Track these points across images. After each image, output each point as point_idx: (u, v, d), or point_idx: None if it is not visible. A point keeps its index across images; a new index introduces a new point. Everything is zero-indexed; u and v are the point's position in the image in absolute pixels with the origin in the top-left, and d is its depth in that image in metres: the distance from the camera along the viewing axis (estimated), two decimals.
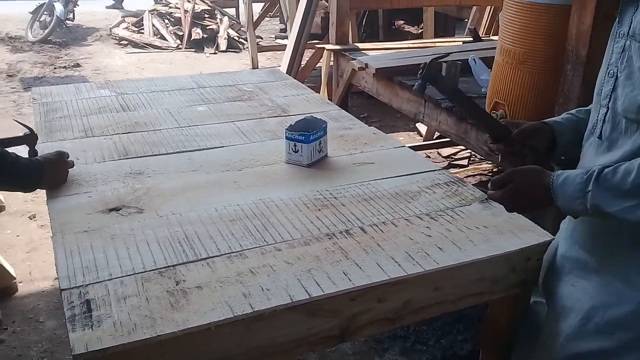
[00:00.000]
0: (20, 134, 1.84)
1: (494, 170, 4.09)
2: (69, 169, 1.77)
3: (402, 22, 6.73)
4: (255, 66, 6.91)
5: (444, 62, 2.98)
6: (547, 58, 2.34)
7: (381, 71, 3.20)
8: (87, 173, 1.82)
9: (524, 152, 1.49)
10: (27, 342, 2.48)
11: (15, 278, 2.84)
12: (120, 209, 1.61)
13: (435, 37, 5.53)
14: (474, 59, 2.94)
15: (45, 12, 8.12)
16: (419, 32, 6.31)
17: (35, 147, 1.83)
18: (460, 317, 2.62)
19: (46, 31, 7.88)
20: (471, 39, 4.01)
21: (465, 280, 1.44)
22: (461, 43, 3.97)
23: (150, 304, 1.21)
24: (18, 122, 1.93)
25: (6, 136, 1.78)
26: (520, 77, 2.42)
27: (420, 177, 1.87)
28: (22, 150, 1.75)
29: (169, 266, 1.35)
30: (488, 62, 2.94)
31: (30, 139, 1.83)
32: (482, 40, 3.98)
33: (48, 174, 1.66)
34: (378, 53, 3.71)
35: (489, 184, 1.37)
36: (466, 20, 5.94)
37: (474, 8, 4.90)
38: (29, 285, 2.85)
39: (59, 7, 7.98)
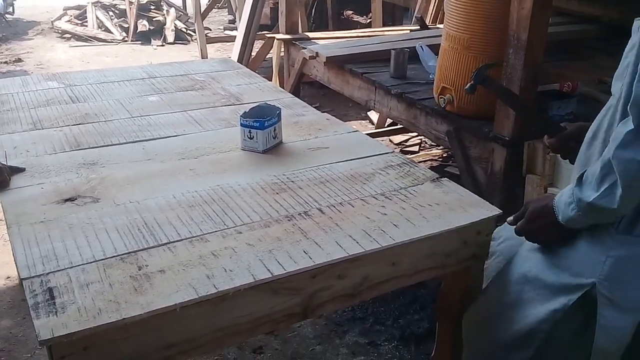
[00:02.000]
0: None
1: (444, 155, 4.21)
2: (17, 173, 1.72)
3: (351, 12, 6.79)
4: (204, 57, 6.82)
5: (392, 49, 3.06)
6: (491, 43, 2.44)
7: (332, 59, 3.24)
8: (39, 165, 1.79)
9: (577, 148, 1.51)
10: None
11: None
12: (76, 199, 1.60)
13: (384, 26, 5.61)
14: (421, 46, 3.02)
15: None
16: (368, 21, 6.39)
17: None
18: (416, 298, 2.70)
19: None
20: (418, 27, 4.10)
21: (420, 254, 1.51)
22: (409, 31, 4.05)
23: (114, 289, 1.22)
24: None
25: None
26: (465, 62, 2.51)
27: (374, 159, 1.93)
28: None
29: (130, 252, 1.36)
30: (435, 49, 3.02)
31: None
32: (429, 29, 4.07)
33: None
34: (328, 42, 3.75)
35: (512, 221, 1.47)
36: (411, 9, 6.05)
37: None
38: None
39: None
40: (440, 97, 2.54)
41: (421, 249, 1.50)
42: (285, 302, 1.34)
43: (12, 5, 8.35)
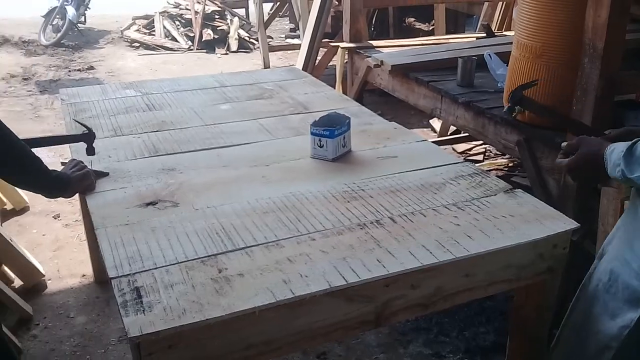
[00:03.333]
0: (79, 133, 1.94)
1: (510, 165, 4.13)
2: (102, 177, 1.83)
3: (413, 19, 6.76)
4: (266, 66, 6.96)
5: (459, 57, 3.04)
6: (564, 51, 2.38)
7: (397, 68, 3.24)
8: (121, 170, 1.88)
9: None
10: (59, 337, 2.54)
11: (44, 275, 2.90)
12: (157, 203, 1.67)
13: (447, 33, 5.57)
14: (489, 54, 2.98)
15: (57, 16, 8.19)
16: (430, 29, 6.35)
17: (93, 145, 1.93)
18: (482, 310, 2.66)
19: (59, 34, 7.95)
20: (484, 34, 4.05)
21: (494, 267, 1.49)
22: (475, 39, 4.01)
23: (197, 291, 1.27)
24: (77, 121, 2.04)
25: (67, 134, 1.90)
26: (537, 71, 2.46)
27: (444, 169, 1.92)
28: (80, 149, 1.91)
29: (210, 255, 1.41)
30: (502, 57, 2.98)
31: (88, 137, 1.92)
32: (495, 36, 4.01)
33: (73, 188, 1.71)
34: (392, 50, 3.76)
35: (561, 151, 1.44)
36: (476, 16, 5.97)
37: (486, 4, 4.93)
38: (58, 283, 2.91)
39: (71, 11, 8.05)
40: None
41: (496, 261, 1.48)
42: (358, 309, 1.36)
43: (84, 15, 8.74)
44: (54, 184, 1.62)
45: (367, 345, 2.48)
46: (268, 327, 1.26)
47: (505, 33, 4.39)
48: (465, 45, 3.66)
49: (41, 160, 1.57)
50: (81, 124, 1.97)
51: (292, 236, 1.51)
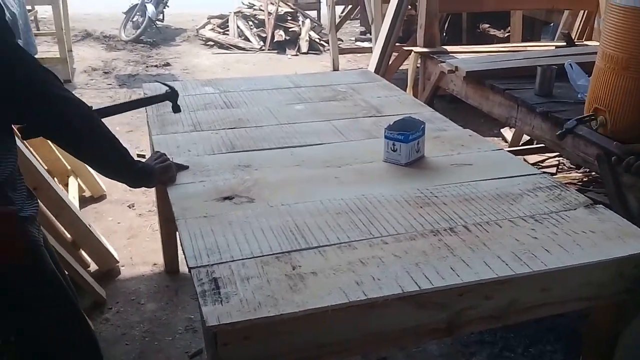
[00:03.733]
0: (162, 92, 2.06)
1: (584, 179, 3.98)
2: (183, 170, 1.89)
3: (488, 25, 6.62)
4: (336, 68, 7.00)
5: (538, 66, 2.95)
6: None
7: (472, 74, 3.19)
8: (200, 164, 1.94)
9: None
10: (129, 322, 2.65)
11: (118, 262, 3.03)
12: (233, 197, 1.72)
13: (523, 41, 5.42)
14: (570, 64, 2.89)
15: (138, 13, 8.54)
16: (505, 35, 6.20)
17: (177, 103, 2.08)
18: (551, 327, 2.58)
19: (138, 31, 8.29)
20: (564, 43, 3.92)
21: (573, 283, 1.45)
22: (554, 48, 3.89)
23: (272, 285, 1.30)
24: (159, 81, 2.17)
25: (152, 94, 2.07)
26: (623, 83, 2.36)
27: (521, 180, 1.88)
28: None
29: (284, 252, 1.44)
30: (583, 67, 2.88)
31: (172, 95, 2.06)
32: (576, 45, 3.88)
33: (156, 179, 1.77)
34: (466, 56, 3.70)
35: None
36: (554, 24, 5.78)
37: (566, 12, 4.77)
38: (131, 269, 3.03)
39: (150, 8, 8.38)
40: (592, 118, 2.42)
41: (574, 278, 1.44)
42: (430, 316, 1.35)
43: (163, 12, 9.07)
44: (138, 175, 1.69)
45: (429, 355, 2.45)
46: (339, 327, 1.27)
47: (586, 43, 4.23)
48: (544, 54, 3.56)
49: (128, 152, 1.65)
50: (163, 83, 2.09)
51: (365, 238, 1.52)
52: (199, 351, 2.42)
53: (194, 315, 2.66)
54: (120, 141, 1.62)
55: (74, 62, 6.96)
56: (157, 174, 1.74)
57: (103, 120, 1.59)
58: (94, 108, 1.79)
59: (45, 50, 7.20)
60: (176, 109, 2.13)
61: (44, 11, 8.19)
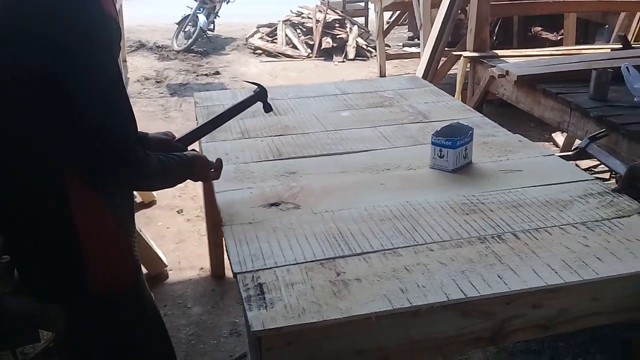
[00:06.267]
0: (252, 93, 2.02)
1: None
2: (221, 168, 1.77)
3: (540, 28, 6.48)
4: (382, 74, 6.99)
5: (593, 69, 2.87)
6: None
7: (524, 78, 3.13)
8: (247, 171, 1.97)
9: None
10: (176, 325, 2.71)
11: (166, 265, 3.11)
12: (279, 204, 1.74)
13: (576, 44, 5.28)
14: (627, 67, 2.80)
15: (190, 23, 8.76)
16: (558, 38, 6.05)
17: (268, 101, 2.01)
18: (599, 337, 2.49)
19: (190, 41, 8.50)
20: (620, 46, 3.79)
21: (625, 293, 1.40)
22: (609, 50, 3.77)
23: (315, 291, 1.31)
24: (247, 81, 2.15)
25: (240, 100, 1.99)
26: None
27: (572, 186, 1.83)
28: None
29: (328, 258, 1.45)
30: None
31: (262, 94, 2.00)
32: (632, 48, 3.75)
33: (196, 171, 1.63)
34: (517, 60, 3.63)
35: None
36: (608, 26, 5.60)
37: (622, 14, 4.62)
38: (178, 273, 3.10)
39: (202, 19, 8.57)
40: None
41: (627, 287, 1.39)
42: (475, 325, 1.33)
43: (213, 22, 9.27)
44: (179, 166, 1.55)
45: None
46: (382, 334, 1.27)
47: None
48: (599, 57, 3.46)
49: (175, 162, 1.54)
50: (250, 82, 2.04)
51: (409, 245, 1.51)
52: (243, 355, 2.44)
53: (239, 319, 2.70)
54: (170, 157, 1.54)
55: (128, 72, 7.20)
56: (198, 162, 1.62)
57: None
58: (182, 136, 1.77)
59: None
60: (267, 107, 2.00)
61: None
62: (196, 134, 1.87)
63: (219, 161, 1.72)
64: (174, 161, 1.52)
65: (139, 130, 1.47)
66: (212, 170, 1.71)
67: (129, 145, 1.35)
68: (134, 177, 1.40)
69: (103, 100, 1.29)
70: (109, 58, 1.31)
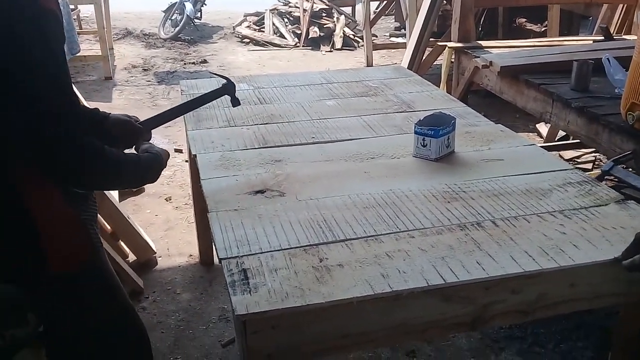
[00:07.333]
0: (219, 86, 2.00)
1: None
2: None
3: (524, 19, 6.52)
4: (369, 64, 7.00)
5: (574, 60, 2.91)
6: None
7: (507, 69, 3.16)
8: (233, 158, 1.99)
9: None
10: (165, 311, 2.73)
11: (155, 252, 3.12)
12: (265, 191, 1.76)
13: (560, 35, 5.33)
14: (608, 58, 2.83)
15: (177, 11, 8.69)
16: (542, 30, 6.09)
17: (236, 95, 1.99)
18: (580, 324, 2.56)
19: (177, 29, 8.44)
20: (602, 37, 3.84)
21: (601, 279, 1.44)
22: (591, 42, 3.81)
23: (299, 277, 1.33)
24: (213, 73, 2.14)
25: (207, 91, 1.96)
26: None
27: (551, 175, 1.87)
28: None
29: (311, 245, 1.47)
30: (621, 61, 2.82)
31: (229, 87, 1.99)
32: (614, 40, 3.80)
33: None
34: (501, 51, 3.66)
35: (622, 257, 1.38)
36: (592, 18, 5.66)
37: (605, 6, 4.66)
38: (167, 260, 3.12)
39: (189, 7, 8.51)
40: (629, 114, 2.38)
41: (603, 274, 1.43)
42: (455, 310, 1.36)
43: (200, 11, 9.21)
44: (149, 165, 1.58)
45: (457, 348, 2.45)
46: (364, 319, 1.30)
47: (625, 37, 4.14)
48: (581, 48, 3.50)
49: (141, 161, 1.57)
50: (217, 75, 2.01)
51: (391, 232, 1.54)
52: (232, 340, 2.47)
53: (227, 305, 2.73)
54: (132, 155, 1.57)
55: (115, 59, 7.15)
56: (164, 155, 1.65)
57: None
58: (145, 119, 1.77)
59: (88, 48, 7.41)
60: (235, 102, 2.00)
61: (87, 10, 8.41)
62: (159, 119, 1.83)
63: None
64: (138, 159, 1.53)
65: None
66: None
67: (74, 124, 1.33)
68: (87, 163, 1.36)
69: (41, 94, 1.27)
70: (48, 53, 1.28)
